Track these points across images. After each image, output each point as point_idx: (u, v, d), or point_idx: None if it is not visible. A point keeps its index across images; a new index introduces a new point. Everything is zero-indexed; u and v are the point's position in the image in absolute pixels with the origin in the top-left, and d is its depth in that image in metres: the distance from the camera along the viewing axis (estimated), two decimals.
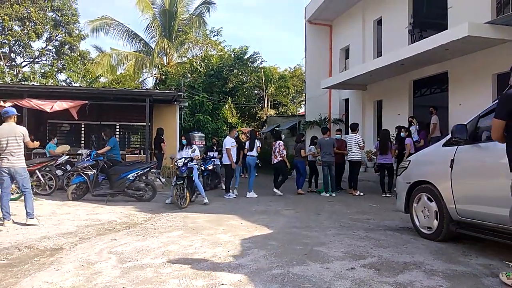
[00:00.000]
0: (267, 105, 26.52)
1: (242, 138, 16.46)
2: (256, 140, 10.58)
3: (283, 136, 11.37)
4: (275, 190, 10.44)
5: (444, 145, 4.99)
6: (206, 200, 8.82)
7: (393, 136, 11.29)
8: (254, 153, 10.37)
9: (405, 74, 13.13)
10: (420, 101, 14.24)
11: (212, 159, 11.98)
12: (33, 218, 6.21)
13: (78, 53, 28.90)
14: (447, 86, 11.82)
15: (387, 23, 14.45)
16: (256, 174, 11.63)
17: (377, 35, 15.31)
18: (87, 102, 11.53)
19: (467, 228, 4.58)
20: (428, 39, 10.34)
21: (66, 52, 28.38)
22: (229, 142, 10.12)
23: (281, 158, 10.43)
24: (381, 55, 13.94)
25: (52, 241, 5.29)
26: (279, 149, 10.48)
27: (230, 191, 10.16)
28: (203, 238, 5.32)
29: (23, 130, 6.25)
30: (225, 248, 4.74)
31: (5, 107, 10.86)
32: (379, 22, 15.11)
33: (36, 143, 7.17)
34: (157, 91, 16.00)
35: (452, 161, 4.66)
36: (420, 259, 4.23)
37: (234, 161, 10.09)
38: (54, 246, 5.03)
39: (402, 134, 10.58)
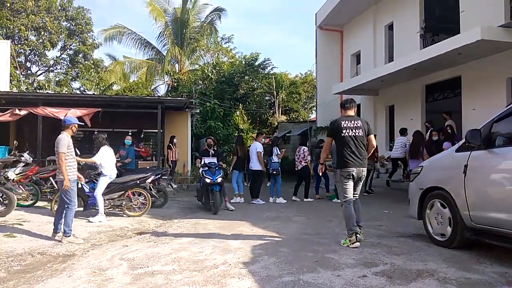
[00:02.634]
0: (278, 111, 26.51)
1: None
2: (274, 147, 10.56)
3: (308, 143, 11.31)
4: (305, 199, 10.43)
5: (457, 150, 4.92)
6: (95, 219, 7.09)
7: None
8: (274, 159, 10.35)
9: (417, 79, 13.01)
10: (433, 106, 14.08)
11: (217, 168, 8.84)
12: (69, 236, 5.66)
13: (91, 62, 29.43)
14: (460, 91, 11.67)
15: (399, 28, 14.37)
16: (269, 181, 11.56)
17: (389, 40, 15.22)
18: (100, 109, 11.68)
19: (482, 235, 4.49)
20: (441, 43, 10.24)
21: (80, 60, 28.95)
22: (260, 147, 10.17)
23: (306, 164, 10.42)
24: (393, 60, 13.85)
25: (65, 247, 5.34)
26: (303, 155, 10.48)
27: (258, 197, 10.12)
28: (213, 244, 5.31)
29: (58, 140, 5.72)
30: (236, 255, 4.72)
31: (20, 115, 11.12)
32: (390, 27, 15.03)
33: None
34: (169, 98, 16.13)
35: (466, 166, 4.58)
36: (433, 267, 4.16)
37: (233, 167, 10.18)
38: (66, 252, 5.08)
39: (434, 138, 10.41)
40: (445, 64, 11.24)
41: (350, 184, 5.22)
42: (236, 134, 18.18)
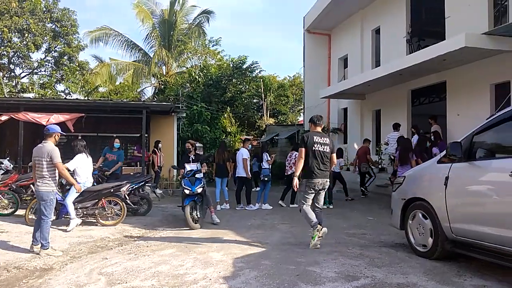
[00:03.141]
0: (266, 114, 26.44)
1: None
2: (264, 153, 10.50)
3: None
4: (291, 205, 10.38)
5: (439, 162, 4.92)
6: (70, 227, 7.05)
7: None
8: (265, 165, 10.33)
9: (403, 84, 13.07)
10: (419, 110, 14.18)
11: (198, 178, 7.65)
12: (47, 248, 5.49)
13: (77, 64, 28.96)
14: (445, 96, 11.76)
15: (385, 32, 14.44)
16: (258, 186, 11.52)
17: (375, 44, 15.29)
18: (83, 114, 11.50)
19: (462, 248, 4.49)
20: (426, 49, 10.30)
21: (65, 62, 28.44)
22: (246, 153, 10.10)
23: None
24: (379, 65, 13.91)
25: (42, 260, 5.21)
26: (295, 160, 10.40)
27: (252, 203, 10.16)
28: (195, 257, 5.23)
29: (50, 151, 5.56)
30: (217, 269, 4.65)
31: (1, 120, 10.89)
32: (377, 31, 15.10)
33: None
34: (154, 103, 15.94)
35: (447, 178, 4.59)
36: (413, 280, 4.15)
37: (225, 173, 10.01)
38: (44, 266, 4.95)
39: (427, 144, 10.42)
40: (430, 70, 11.30)
41: (312, 195, 5.80)
42: (223, 138, 18.07)
